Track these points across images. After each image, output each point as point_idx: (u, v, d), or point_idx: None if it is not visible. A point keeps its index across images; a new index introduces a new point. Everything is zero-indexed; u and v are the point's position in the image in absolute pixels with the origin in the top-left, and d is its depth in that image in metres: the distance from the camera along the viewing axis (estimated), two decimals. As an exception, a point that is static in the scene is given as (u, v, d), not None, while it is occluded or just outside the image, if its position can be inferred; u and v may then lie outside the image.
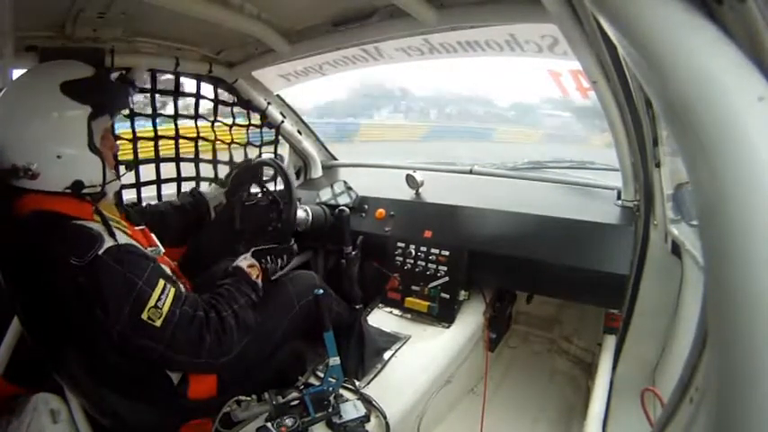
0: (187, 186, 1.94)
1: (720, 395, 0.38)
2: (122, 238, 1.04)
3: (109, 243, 0.98)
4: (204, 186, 1.62)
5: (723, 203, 0.36)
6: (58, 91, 1.02)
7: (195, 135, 1.96)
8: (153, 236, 1.26)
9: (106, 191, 1.14)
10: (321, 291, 1.24)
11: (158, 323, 0.98)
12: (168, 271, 1.17)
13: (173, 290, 1.03)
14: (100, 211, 1.07)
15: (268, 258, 1.33)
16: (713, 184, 0.37)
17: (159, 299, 0.99)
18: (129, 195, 1.74)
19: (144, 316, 0.97)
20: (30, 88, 1.05)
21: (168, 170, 1.90)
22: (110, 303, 0.95)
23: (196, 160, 1.98)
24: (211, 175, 2.00)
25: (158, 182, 1.86)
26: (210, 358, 1.05)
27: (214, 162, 2.03)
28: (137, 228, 1.23)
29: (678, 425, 0.62)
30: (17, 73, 1.27)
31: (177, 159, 1.91)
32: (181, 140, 1.92)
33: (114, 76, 1.48)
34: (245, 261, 1.27)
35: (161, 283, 1.01)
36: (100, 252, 0.95)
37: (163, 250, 1.23)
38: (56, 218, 1.00)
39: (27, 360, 1.20)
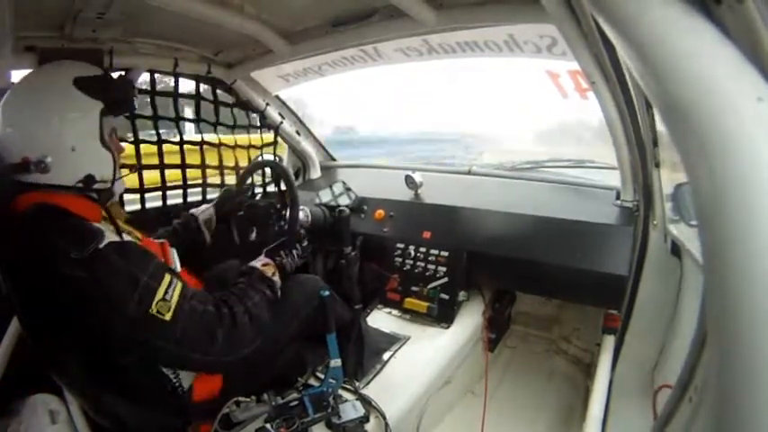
0: (192, 192, 1.94)
1: (720, 395, 0.38)
2: (127, 239, 1.04)
3: (111, 238, 0.96)
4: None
5: (722, 204, 0.36)
6: (72, 86, 1.04)
7: (200, 140, 1.94)
8: (173, 255, 1.22)
9: (114, 190, 1.14)
10: (327, 293, 1.24)
11: (168, 317, 0.94)
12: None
13: (179, 284, 1.01)
14: (109, 213, 1.07)
15: (282, 254, 1.30)
16: (712, 185, 0.37)
17: (167, 291, 0.96)
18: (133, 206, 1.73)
19: (153, 310, 0.93)
20: (41, 84, 1.06)
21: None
22: (113, 299, 0.92)
23: (203, 166, 1.97)
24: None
25: (163, 188, 1.84)
26: (221, 356, 1.02)
27: (220, 168, 2.03)
28: (156, 240, 1.21)
29: (678, 424, 0.63)
30: (16, 74, 1.28)
31: (183, 166, 1.89)
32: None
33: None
34: (258, 261, 1.25)
35: (167, 276, 0.99)
36: (101, 246, 0.93)
37: (180, 269, 1.20)
38: (57, 211, 0.98)
39: (26, 360, 1.19)
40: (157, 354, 0.99)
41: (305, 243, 1.42)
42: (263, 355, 1.17)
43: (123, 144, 1.30)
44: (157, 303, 0.94)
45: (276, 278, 1.22)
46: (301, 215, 1.62)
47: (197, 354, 1.00)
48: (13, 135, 1.01)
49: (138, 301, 0.93)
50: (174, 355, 0.98)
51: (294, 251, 1.34)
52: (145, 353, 0.99)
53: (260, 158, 2.17)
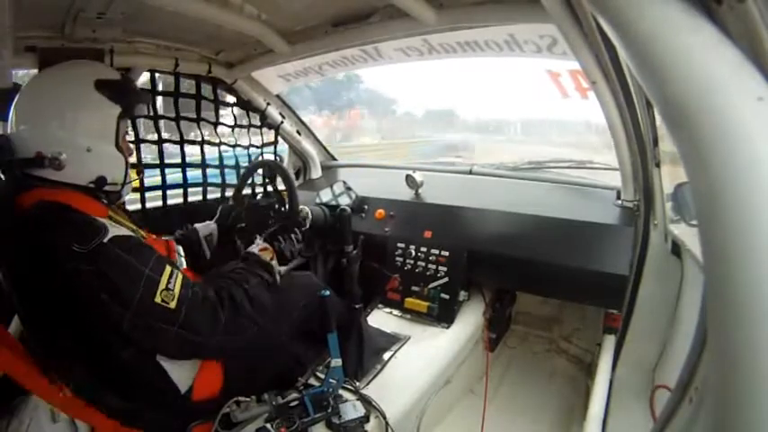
0: (193, 192, 1.94)
1: (720, 395, 0.38)
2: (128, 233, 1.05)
3: (114, 233, 0.97)
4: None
5: (722, 203, 0.36)
6: (92, 87, 1.06)
7: (200, 138, 1.94)
8: (178, 252, 1.25)
9: (123, 192, 1.17)
10: (327, 292, 1.25)
11: (172, 305, 0.98)
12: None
13: (180, 275, 1.04)
14: (116, 212, 1.10)
15: (280, 239, 1.31)
16: (712, 184, 0.36)
17: (169, 281, 0.99)
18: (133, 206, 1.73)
19: (157, 299, 0.96)
20: (61, 83, 1.07)
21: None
22: (119, 290, 0.94)
23: (203, 165, 1.96)
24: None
25: (164, 187, 1.84)
26: (228, 335, 1.05)
27: (221, 167, 2.03)
28: (164, 238, 1.24)
29: (678, 425, 0.62)
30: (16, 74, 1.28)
31: (183, 165, 1.89)
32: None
33: None
34: (256, 247, 1.27)
35: (168, 268, 1.02)
36: (105, 240, 0.95)
37: (185, 265, 1.22)
38: (61, 208, 0.99)
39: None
40: (161, 340, 1.00)
41: (304, 227, 1.41)
42: (259, 351, 1.19)
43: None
44: (161, 292, 0.98)
45: (275, 262, 1.24)
46: (302, 214, 1.62)
47: (201, 337, 1.02)
48: (26, 130, 1.02)
49: (143, 291, 0.96)
50: (179, 339, 1.00)
51: (293, 235, 1.35)
52: (148, 342, 1.01)
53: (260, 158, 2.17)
